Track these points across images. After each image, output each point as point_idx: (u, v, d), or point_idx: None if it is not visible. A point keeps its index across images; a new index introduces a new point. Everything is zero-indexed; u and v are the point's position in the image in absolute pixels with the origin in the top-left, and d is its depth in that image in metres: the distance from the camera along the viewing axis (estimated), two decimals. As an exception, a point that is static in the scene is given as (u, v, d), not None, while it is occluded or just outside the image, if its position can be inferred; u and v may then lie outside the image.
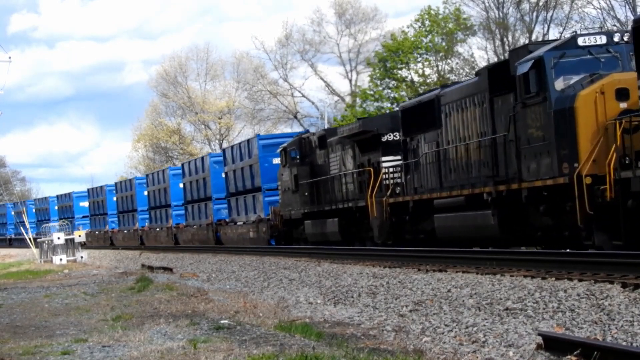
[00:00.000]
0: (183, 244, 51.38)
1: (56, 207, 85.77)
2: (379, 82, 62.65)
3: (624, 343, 9.24)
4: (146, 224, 59.72)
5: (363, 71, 71.22)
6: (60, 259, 38.09)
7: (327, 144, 31.87)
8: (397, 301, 14.43)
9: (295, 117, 75.24)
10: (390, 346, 10.23)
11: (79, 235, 40.70)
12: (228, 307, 14.86)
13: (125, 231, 64.30)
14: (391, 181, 27.00)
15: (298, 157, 33.83)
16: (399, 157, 26.40)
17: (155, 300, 16.58)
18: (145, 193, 59.35)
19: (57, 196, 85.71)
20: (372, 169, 27.40)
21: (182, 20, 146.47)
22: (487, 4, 57.54)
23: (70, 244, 39.72)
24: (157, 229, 57.05)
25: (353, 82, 71.89)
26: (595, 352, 8.22)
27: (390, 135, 27.29)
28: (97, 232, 71.18)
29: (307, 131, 40.09)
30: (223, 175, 45.43)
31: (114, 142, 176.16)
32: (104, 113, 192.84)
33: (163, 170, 56.61)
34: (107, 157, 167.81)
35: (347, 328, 12.09)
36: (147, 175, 60.98)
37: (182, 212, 52.77)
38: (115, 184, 69.26)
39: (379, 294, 15.62)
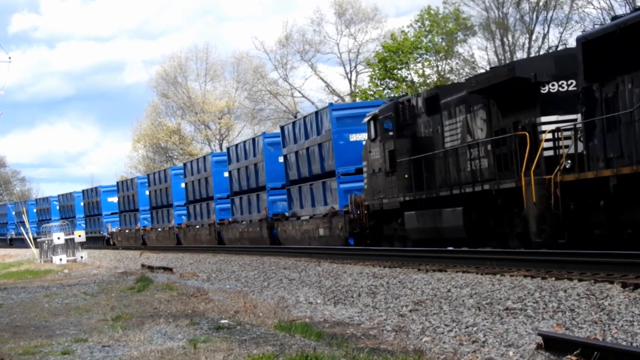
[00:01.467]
0: (229, 243, 43.82)
1: (57, 207, 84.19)
2: (379, 82, 62.68)
3: (624, 343, 9.24)
4: (184, 220, 52.97)
5: (363, 71, 71.33)
6: (60, 259, 38.09)
7: (441, 107, 23.48)
8: (397, 301, 14.43)
9: (295, 117, 75.23)
10: (390, 346, 10.23)
11: (79, 235, 40.68)
12: (228, 307, 14.86)
13: (160, 229, 57.28)
14: (560, 151, 18.45)
15: (394, 127, 25.59)
16: (570, 116, 18.61)
17: (155, 300, 16.58)
18: (183, 185, 52.98)
19: (59, 196, 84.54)
20: (527, 134, 19.12)
21: (183, 21, 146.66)
22: (487, 4, 57.55)
23: (70, 244, 39.71)
24: (197, 226, 50.06)
25: (353, 82, 71.97)
26: (595, 352, 8.21)
27: (553, 85, 19.29)
28: (127, 231, 64.77)
29: (404, 94, 32.08)
30: (280, 159, 38.01)
31: (114, 142, 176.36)
32: (104, 113, 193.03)
33: (204, 157, 49.53)
34: (107, 157, 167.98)
35: (347, 328, 12.09)
36: (184, 165, 54.00)
37: (228, 205, 45.19)
38: (148, 175, 62.38)
39: (379, 294, 15.62)
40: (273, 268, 24.39)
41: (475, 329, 11.02)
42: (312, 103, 74.00)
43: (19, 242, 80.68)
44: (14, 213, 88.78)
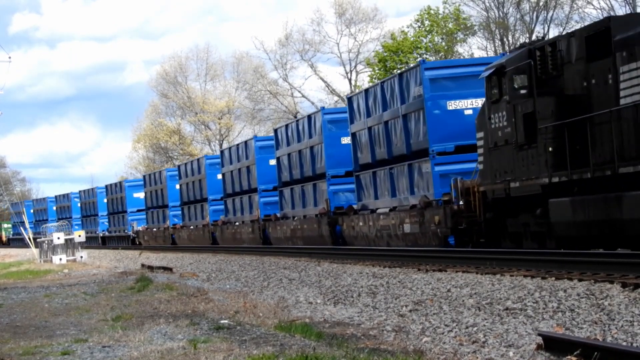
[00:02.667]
0: (276, 243, 37.17)
1: (78, 204, 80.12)
2: (379, 82, 62.71)
3: (624, 343, 9.24)
4: (220, 217, 46.29)
5: (363, 71, 71.35)
6: (60, 259, 38.08)
7: (614, 46, 16.39)
8: (397, 301, 14.43)
9: (295, 117, 75.22)
10: (390, 346, 10.23)
11: (79, 235, 40.66)
12: (228, 307, 14.85)
13: (192, 227, 50.95)
14: None
15: (530, 82, 18.60)
16: None
17: (155, 300, 16.57)
18: (219, 176, 46.46)
19: (80, 192, 79.35)
20: None
21: (184, 21, 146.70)
22: (487, 4, 57.62)
23: (70, 244, 39.71)
24: (237, 223, 43.44)
25: (353, 82, 71.96)
26: (595, 353, 8.22)
27: None
28: (154, 229, 58.67)
29: (541, 37, 25.28)
30: (346, 140, 31.43)
31: (114, 142, 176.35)
32: (104, 113, 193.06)
33: (246, 143, 42.33)
34: (107, 157, 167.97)
35: (347, 328, 12.09)
36: (222, 153, 47.02)
37: (274, 199, 38.64)
38: (179, 167, 55.12)
39: (378, 294, 15.62)
40: (273, 268, 24.39)
41: (475, 329, 11.02)
42: (312, 103, 74.07)
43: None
44: (54, 208, 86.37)
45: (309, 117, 34.38)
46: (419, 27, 61.18)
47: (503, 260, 17.22)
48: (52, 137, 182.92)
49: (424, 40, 60.84)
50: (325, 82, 74.41)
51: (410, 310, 13.29)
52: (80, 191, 75.41)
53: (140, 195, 62.22)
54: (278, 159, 37.39)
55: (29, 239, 50.90)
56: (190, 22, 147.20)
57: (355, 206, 30.17)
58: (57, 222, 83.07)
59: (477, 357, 9.41)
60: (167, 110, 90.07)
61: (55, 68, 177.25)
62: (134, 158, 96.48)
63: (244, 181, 42.21)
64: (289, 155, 35.99)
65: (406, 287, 15.91)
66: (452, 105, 24.18)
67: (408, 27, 62.01)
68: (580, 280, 13.54)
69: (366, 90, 29.04)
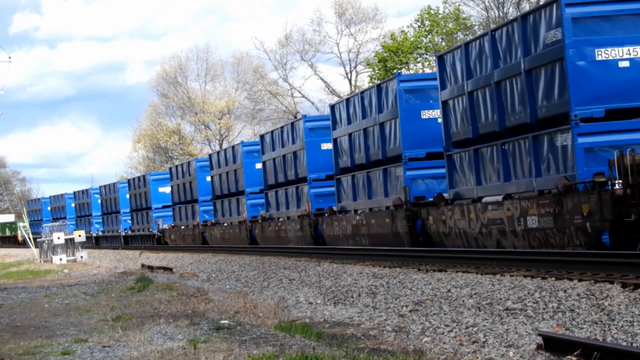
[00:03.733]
0: (331, 242, 31.76)
1: (99, 201, 75.24)
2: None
3: (624, 343, 9.24)
4: (260, 212, 40.76)
5: (363, 71, 71.42)
6: (60, 259, 38.09)
7: None
8: (397, 301, 14.43)
9: (295, 117, 75.26)
10: (390, 346, 10.23)
11: (79, 235, 40.67)
12: (228, 307, 14.86)
13: (226, 224, 45.56)
14: None
15: None
16: None
17: (155, 301, 16.58)
18: (259, 165, 41.15)
19: (100, 187, 73.47)
20: None
21: (185, 21, 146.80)
22: (487, 4, 57.63)
23: (70, 244, 39.73)
24: (281, 219, 37.60)
25: (353, 82, 71.98)
26: (596, 353, 8.22)
27: None
28: (182, 227, 52.68)
29: None
30: (430, 114, 26.29)
31: (115, 142, 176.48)
32: (105, 113, 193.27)
33: (292, 125, 36.99)
34: (107, 157, 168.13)
35: (347, 328, 12.09)
36: (262, 138, 40.86)
37: (330, 189, 33.27)
38: (210, 156, 49.49)
39: (379, 294, 15.62)
40: (273, 268, 24.39)
41: (475, 329, 11.02)
42: (312, 103, 74.16)
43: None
44: (49, 208, 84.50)
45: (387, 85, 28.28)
46: (419, 27, 61.20)
47: (503, 260, 17.22)
48: (53, 137, 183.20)
49: (424, 40, 60.86)
50: (325, 82, 74.50)
51: (410, 311, 13.29)
52: (129, 180, 67.05)
53: (167, 189, 56.82)
54: (335, 140, 31.94)
55: (29, 238, 50.87)
56: (191, 22, 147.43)
57: (446, 195, 24.17)
58: (51, 222, 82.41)
59: (477, 357, 9.41)
60: (167, 110, 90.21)
61: (56, 68, 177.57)
62: (134, 158, 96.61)
63: (289, 170, 36.63)
64: (346, 138, 30.64)
65: (406, 287, 15.92)
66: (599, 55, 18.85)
67: (408, 27, 62.09)
68: (580, 280, 13.54)
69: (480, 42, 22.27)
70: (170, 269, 27.95)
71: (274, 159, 38.81)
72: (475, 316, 12.01)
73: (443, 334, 11.05)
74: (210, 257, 34.60)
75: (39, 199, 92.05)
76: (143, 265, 32.47)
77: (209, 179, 48.25)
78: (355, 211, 29.81)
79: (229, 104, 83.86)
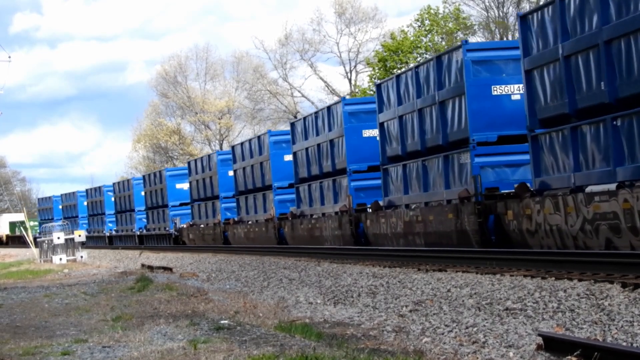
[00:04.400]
0: (376, 241, 28.36)
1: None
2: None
3: (624, 343, 9.24)
4: (291, 208, 36.93)
5: (363, 71, 71.42)
6: (60, 259, 38.09)
7: None
8: (397, 301, 14.43)
9: (295, 117, 75.31)
10: (390, 347, 10.23)
11: (79, 235, 40.68)
12: (228, 307, 14.86)
13: (250, 222, 41.31)
14: None
15: None
16: None
17: (155, 300, 16.58)
18: (288, 157, 37.68)
19: (113, 184, 69.58)
20: None
21: (185, 20, 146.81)
22: (487, 4, 57.64)
23: (70, 244, 39.74)
24: (315, 216, 33.98)
25: (353, 82, 71.98)
26: (596, 353, 8.21)
27: None
28: (202, 226, 49.27)
29: None
30: (503, 90, 22.75)
31: (115, 142, 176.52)
32: (105, 113, 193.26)
33: (328, 108, 33.44)
34: (108, 157, 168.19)
35: (347, 328, 12.09)
36: (292, 126, 36.91)
37: (372, 182, 30.32)
38: (233, 148, 45.43)
39: (379, 294, 15.62)
40: (273, 268, 24.39)
41: (475, 329, 11.02)
42: (312, 103, 74.15)
43: (92, 241, 71.29)
44: (60, 207, 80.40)
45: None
46: (419, 26, 61.20)
47: (503, 260, 17.22)
48: (53, 137, 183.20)
49: (424, 40, 60.86)
50: (325, 81, 74.51)
51: (410, 311, 13.29)
52: (144, 176, 63.07)
53: (184, 185, 53.07)
54: (382, 124, 28.39)
55: (28, 238, 50.84)
56: (191, 22, 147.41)
57: (535, 188, 20.11)
58: (61, 221, 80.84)
59: (477, 357, 9.41)
60: (167, 110, 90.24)
61: (56, 68, 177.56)
62: (134, 158, 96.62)
63: (325, 161, 32.51)
64: (403, 116, 26.64)
65: (406, 287, 15.92)
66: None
67: (408, 27, 62.09)
68: (580, 280, 13.54)
69: None
70: (170, 269, 27.95)
71: (306, 149, 34.84)
72: (475, 316, 12.01)
73: (443, 334, 11.05)
74: (210, 257, 34.60)
75: (49, 197, 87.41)
76: (143, 265, 32.47)
77: (231, 173, 44.74)
78: (407, 206, 26.25)
79: (229, 104, 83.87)
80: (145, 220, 60.65)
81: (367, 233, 29.04)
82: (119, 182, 68.33)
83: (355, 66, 72.51)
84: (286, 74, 76.30)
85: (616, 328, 9.97)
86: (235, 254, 34.43)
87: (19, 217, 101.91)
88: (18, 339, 11.86)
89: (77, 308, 16.22)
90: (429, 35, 60.91)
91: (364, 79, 68.90)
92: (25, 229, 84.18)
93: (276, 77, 77.49)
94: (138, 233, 61.58)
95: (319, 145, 33.26)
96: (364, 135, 30.73)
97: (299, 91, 76.22)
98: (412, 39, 60.71)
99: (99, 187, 72.43)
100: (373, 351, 9.63)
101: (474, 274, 16.33)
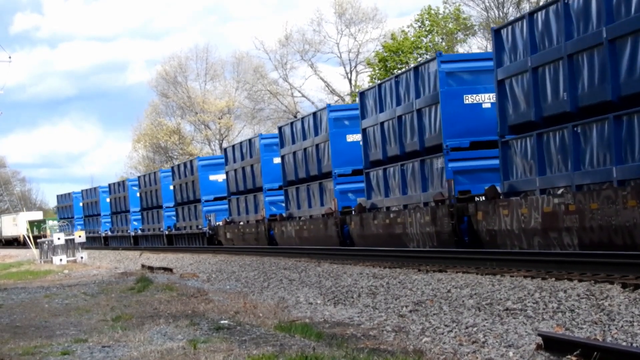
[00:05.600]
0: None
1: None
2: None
3: (624, 343, 9.24)
4: (359, 200, 30.28)
5: (363, 71, 71.40)
6: (60, 260, 38.10)
7: None
8: (397, 301, 14.43)
9: (295, 117, 75.31)
10: (390, 346, 10.23)
11: (79, 236, 40.67)
12: (228, 307, 14.86)
13: (303, 218, 34.66)
14: None
15: None
16: None
17: (155, 301, 16.58)
18: (352, 138, 31.47)
19: (138, 178, 63.61)
20: None
21: (186, 21, 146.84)
22: (487, 4, 57.64)
23: (70, 244, 39.74)
24: (394, 208, 27.12)
25: (353, 82, 71.98)
26: (595, 353, 8.21)
27: None
28: (241, 223, 41.96)
29: None
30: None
31: (116, 142, 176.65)
32: (106, 113, 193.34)
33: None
34: (108, 157, 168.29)
35: (347, 328, 12.09)
36: (361, 96, 29.79)
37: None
38: (281, 129, 37.49)
39: (379, 294, 15.62)
40: (273, 268, 24.39)
41: (475, 329, 11.02)
42: (312, 103, 74.13)
43: (114, 242, 67.87)
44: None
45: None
46: (419, 27, 61.21)
47: (503, 261, 17.23)
48: (53, 137, 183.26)
49: (424, 40, 60.87)
50: (325, 82, 74.50)
51: (410, 311, 13.29)
52: (172, 168, 56.02)
53: (220, 177, 46.73)
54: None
55: (29, 238, 50.83)
56: (192, 22, 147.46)
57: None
58: (83, 219, 74.03)
59: (477, 357, 9.41)
60: (167, 110, 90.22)
61: (57, 68, 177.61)
62: (134, 158, 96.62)
63: (409, 138, 26.31)
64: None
65: (406, 288, 15.92)
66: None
67: (408, 27, 62.10)
68: (580, 280, 13.54)
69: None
70: (171, 270, 27.96)
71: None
72: (475, 316, 12.01)
73: (443, 334, 11.05)
74: (210, 257, 34.61)
75: (69, 193, 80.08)
76: (143, 266, 32.48)
77: (277, 160, 38.12)
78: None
79: (229, 104, 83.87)
80: (174, 217, 54.28)
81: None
82: (144, 175, 62.32)
83: (355, 66, 72.55)
84: (286, 74, 76.36)
85: (616, 328, 9.97)
86: (235, 254, 34.44)
87: (37, 215, 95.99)
88: (18, 339, 11.86)
89: (77, 308, 16.22)
90: (430, 36, 60.92)
91: (364, 80, 68.94)
92: (42, 228, 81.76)
93: (276, 78, 77.55)
94: (166, 232, 55.35)
95: (402, 117, 28.19)
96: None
97: (299, 91, 76.26)
98: (412, 39, 60.71)
99: (123, 182, 66.44)
100: (373, 351, 9.63)
101: (474, 274, 16.33)
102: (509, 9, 56.58)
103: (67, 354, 10.16)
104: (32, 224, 79.26)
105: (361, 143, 29.23)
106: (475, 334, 10.73)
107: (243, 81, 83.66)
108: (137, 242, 61.65)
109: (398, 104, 26.34)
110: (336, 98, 71.61)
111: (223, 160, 45.92)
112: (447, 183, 23.30)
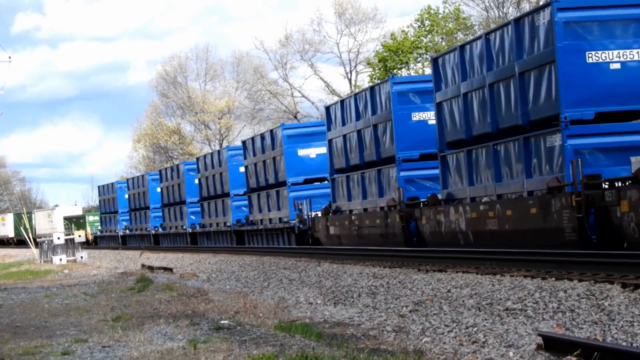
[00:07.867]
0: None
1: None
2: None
3: (624, 343, 9.24)
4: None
5: (363, 71, 71.38)
6: (60, 259, 38.08)
7: None
8: (397, 301, 14.43)
9: (295, 117, 75.27)
10: (390, 346, 10.23)
11: (79, 236, 40.66)
12: (228, 307, 14.86)
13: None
14: None
15: None
16: None
17: (155, 301, 16.57)
18: (419, 117, 26.81)
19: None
20: None
21: (187, 21, 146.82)
22: (487, 4, 57.63)
23: (70, 244, 39.73)
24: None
25: (353, 82, 71.96)
26: (596, 353, 8.22)
27: None
28: (355, 213, 29.57)
29: None
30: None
31: (116, 142, 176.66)
32: (106, 113, 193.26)
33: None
34: (108, 157, 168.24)
35: (347, 328, 12.09)
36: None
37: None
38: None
39: (379, 294, 15.62)
40: (273, 268, 24.39)
41: (475, 329, 11.02)
42: (312, 103, 74.15)
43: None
44: (126, 196, 64.36)
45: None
46: (419, 27, 61.20)
47: (503, 261, 17.23)
48: (54, 137, 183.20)
49: (424, 40, 60.86)
50: (325, 82, 74.48)
51: (410, 311, 13.29)
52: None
53: (312, 152, 36.12)
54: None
55: (29, 238, 50.80)
56: (193, 22, 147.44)
57: None
58: (129, 213, 64.55)
59: (477, 357, 9.41)
60: (167, 110, 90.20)
61: (58, 68, 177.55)
62: (134, 158, 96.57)
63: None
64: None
65: (406, 288, 15.92)
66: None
67: (408, 27, 62.09)
68: (580, 280, 13.54)
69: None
70: (171, 269, 27.95)
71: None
72: (475, 316, 12.01)
73: (443, 334, 11.05)
74: (210, 257, 34.60)
75: (112, 184, 69.62)
76: (143, 266, 32.47)
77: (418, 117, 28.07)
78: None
79: (229, 104, 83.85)
80: (245, 208, 43.01)
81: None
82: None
83: (355, 66, 72.53)
84: (286, 74, 76.33)
85: (616, 328, 9.97)
86: (235, 254, 34.44)
87: (76, 210, 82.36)
88: (18, 339, 11.86)
89: (77, 308, 16.22)
90: (429, 36, 60.91)
91: (364, 79, 68.93)
92: (81, 225, 77.19)
93: (276, 78, 77.53)
94: (235, 227, 43.43)
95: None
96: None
97: (299, 91, 76.24)
98: (412, 39, 60.70)
99: (177, 166, 54.79)
100: (373, 351, 9.63)
101: (474, 274, 16.33)
102: (508, 8, 56.59)
103: (67, 354, 10.16)
104: (70, 220, 73.42)
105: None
106: (475, 334, 10.73)
107: (243, 81, 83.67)
108: (195, 241, 50.73)
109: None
110: (336, 98, 71.59)
111: (318, 128, 35.49)
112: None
